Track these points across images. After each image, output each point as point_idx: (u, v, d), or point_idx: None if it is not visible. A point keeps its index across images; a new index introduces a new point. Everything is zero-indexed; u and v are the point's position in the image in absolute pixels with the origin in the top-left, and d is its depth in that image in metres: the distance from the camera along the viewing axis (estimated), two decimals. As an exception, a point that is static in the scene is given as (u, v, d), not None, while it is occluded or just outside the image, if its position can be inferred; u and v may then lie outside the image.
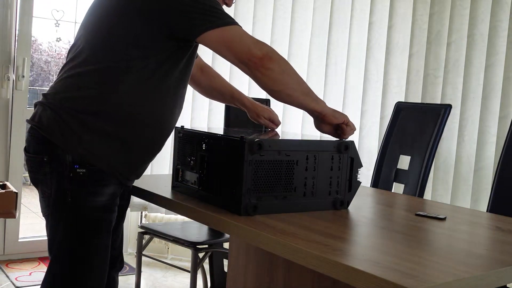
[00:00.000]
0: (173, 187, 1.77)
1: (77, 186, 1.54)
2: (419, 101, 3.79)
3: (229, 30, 1.53)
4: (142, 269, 3.11)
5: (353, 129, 1.68)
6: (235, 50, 1.54)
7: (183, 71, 1.65)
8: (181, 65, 1.63)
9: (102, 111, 1.54)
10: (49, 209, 1.59)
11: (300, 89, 1.63)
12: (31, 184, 1.67)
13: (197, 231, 2.76)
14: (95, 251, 1.58)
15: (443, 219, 1.60)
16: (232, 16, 3.59)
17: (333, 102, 3.79)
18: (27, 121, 1.63)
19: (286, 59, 3.75)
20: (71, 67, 1.60)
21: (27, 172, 1.70)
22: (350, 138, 1.67)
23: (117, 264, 1.82)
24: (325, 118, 1.66)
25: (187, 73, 1.68)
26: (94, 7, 1.66)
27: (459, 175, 3.87)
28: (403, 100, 3.75)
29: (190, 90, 3.66)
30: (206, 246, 2.58)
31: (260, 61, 1.52)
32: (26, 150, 1.63)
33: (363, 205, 1.76)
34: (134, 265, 3.42)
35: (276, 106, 3.68)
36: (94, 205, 1.56)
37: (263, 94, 3.69)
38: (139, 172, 1.70)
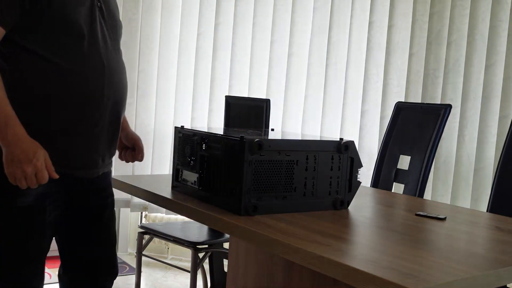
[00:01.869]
0: (173, 187, 1.77)
1: None
2: (419, 101, 3.79)
3: None
4: (142, 269, 3.11)
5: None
6: None
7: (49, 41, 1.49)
8: (35, 30, 1.47)
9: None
10: None
11: None
12: None
13: (197, 231, 2.76)
14: (23, 256, 1.51)
15: (443, 219, 1.60)
16: (233, 16, 3.63)
17: (333, 102, 3.79)
18: None
19: (286, 59, 3.78)
20: None
21: None
22: (350, 138, 1.67)
23: (104, 271, 1.76)
24: None
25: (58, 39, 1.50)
26: None
27: (459, 175, 3.87)
28: (403, 100, 3.75)
29: (190, 90, 3.67)
30: (206, 246, 2.58)
31: None
32: None
33: (363, 205, 1.76)
34: (134, 265, 3.42)
35: (276, 106, 3.69)
36: (20, 206, 1.48)
37: (263, 94, 3.70)
38: (82, 158, 1.57)
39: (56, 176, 1.46)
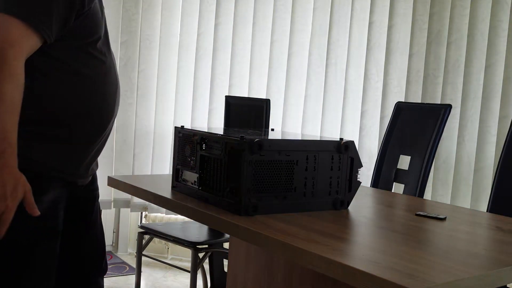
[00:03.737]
0: (173, 187, 1.77)
1: None
2: (419, 101, 3.79)
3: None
4: (142, 269, 3.11)
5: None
6: None
7: (82, 54, 1.50)
8: (77, 46, 1.48)
9: (26, 114, 1.40)
10: None
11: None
12: None
13: (197, 231, 2.76)
14: (38, 262, 1.49)
15: (443, 219, 1.60)
16: (233, 16, 3.63)
17: (333, 102, 3.79)
18: None
19: (286, 59, 3.78)
20: None
21: None
22: (350, 138, 1.67)
23: (98, 267, 1.74)
24: None
25: (94, 57, 1.52)
26: None
27: (459, 175, 3.87)
28: (403, 100, 3.75)
29: (190, 90, 3.67)
30: (206, 246, 2.58)
31: None
32: None
33: (363, 205, 1.76)
34: (134, 265, 3.42)
35: (276, 106, 3.69)
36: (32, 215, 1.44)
37: (263, 94, 3.70)
38: (88, 168, 1.60)
39: (38, 213, 1.36)
